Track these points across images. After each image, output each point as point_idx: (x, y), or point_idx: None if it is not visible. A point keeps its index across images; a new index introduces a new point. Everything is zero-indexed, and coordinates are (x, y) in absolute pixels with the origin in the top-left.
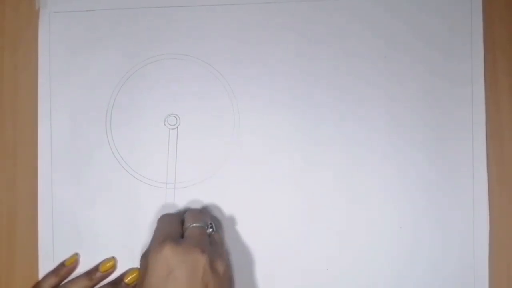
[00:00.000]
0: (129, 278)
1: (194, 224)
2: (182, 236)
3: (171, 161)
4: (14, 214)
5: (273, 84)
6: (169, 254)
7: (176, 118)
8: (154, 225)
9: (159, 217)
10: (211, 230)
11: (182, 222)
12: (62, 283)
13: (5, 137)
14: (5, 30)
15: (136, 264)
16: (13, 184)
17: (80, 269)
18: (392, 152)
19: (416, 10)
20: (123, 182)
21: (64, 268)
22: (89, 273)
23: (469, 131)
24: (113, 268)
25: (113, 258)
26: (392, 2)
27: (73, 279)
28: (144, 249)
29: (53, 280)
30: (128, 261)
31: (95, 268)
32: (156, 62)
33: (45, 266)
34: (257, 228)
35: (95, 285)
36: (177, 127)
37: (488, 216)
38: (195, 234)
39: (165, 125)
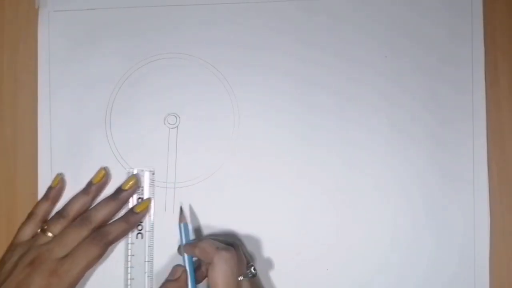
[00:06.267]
0: (129, 184)
1: (242, 279)
2: None
3: (171, 161)
4: (14, 214)
5: (273, 84)
6: None
7: (176, 117)
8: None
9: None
10: (254, 272)
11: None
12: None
13: (5, 137)
14: (5, 28)
15: (135, 263)
16: (13, 184)
17: None
18: (392, 152)
19: (417, 13)
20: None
21: (52, 190)
22: (85, 189)
23: (470, 132)
24: (105, 176)
25: (104, 168)
26: (392, 5)
27: (71, 199)
28: None
29: (45, 205)
30: (126, 259)
31: (89, 183)
32: (156, 61)
33: None
34: (257, 228)
35: (94, 198)
36: (177, 127)
37: (489, 217)
38: None
39: (165, 124)
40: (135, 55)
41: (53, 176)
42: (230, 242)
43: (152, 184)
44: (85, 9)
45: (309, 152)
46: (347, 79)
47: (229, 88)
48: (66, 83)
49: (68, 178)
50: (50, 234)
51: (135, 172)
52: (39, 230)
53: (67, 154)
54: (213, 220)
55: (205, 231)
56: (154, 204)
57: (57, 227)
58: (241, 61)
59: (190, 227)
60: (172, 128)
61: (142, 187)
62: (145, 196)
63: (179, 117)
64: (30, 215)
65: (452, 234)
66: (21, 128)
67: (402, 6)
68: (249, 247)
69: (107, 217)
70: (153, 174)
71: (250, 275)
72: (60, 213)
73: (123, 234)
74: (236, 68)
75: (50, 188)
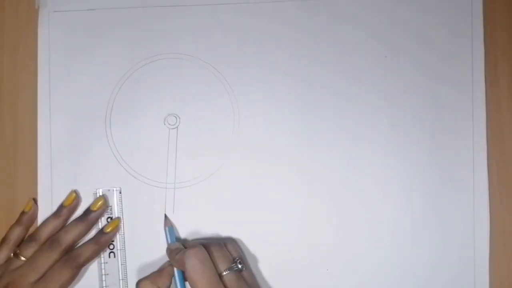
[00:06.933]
0: (97, 205)
1: (227, 272)
2: None
3: (171, 161)
4: (14, 214)
5: (273, 84)
6: None
7: (176, 118)
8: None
9: (190, 266)
10: (240, 266)
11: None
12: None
13: (5, 137)
14: (5, 29)
15: (136, 264)
16: (13, 184)
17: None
18: (392, 152)
19: (417, 13)
20: (123, 182)
21: (25, 215)
22: (56, 212)
23: (470, 132)
24: (76, 199)
25: (74, 190)
26: (392, 5)
27: (42, 222)
28: None
29: (18, 230)
30: (126, 261)
31: (61, 206)
32: (156, 61)
33: None
34: (257, 228)
35: (66, 221)
36: (177, 127)
37: (489, 217)
38: (234, 283)
39: (165, 124)
40: (135, 55)
41: (53, 176)
42: (202, 242)
43: (120, 203)
44: (85, 10)
45: (309, 152)
46: (347, 79)
47: (229, 88)
48: (66, 83)
49: (68, 178)
50: (23, 258)
51: (101, 192)
52: (12, 254)
53: (67, 154)
54: (213, 220)
55: (205, 231)
56: (153, 205)
57: (29, 250)
58: (241, 61)
59: (175, 230)
60: (172, 128)
61: (111, 206)
62: (115, 215)
63: (179, 118)
64: (3, 240)
65: (452, 234)
66: (21, 128)
67: (402, 6)
68: (249, 247)
69: (77, 238)
70: (120, 193)
71: (236, 268)
72: (32, 237)
73: (95, 255)
74: (236, 68)
75: (23, 213)
